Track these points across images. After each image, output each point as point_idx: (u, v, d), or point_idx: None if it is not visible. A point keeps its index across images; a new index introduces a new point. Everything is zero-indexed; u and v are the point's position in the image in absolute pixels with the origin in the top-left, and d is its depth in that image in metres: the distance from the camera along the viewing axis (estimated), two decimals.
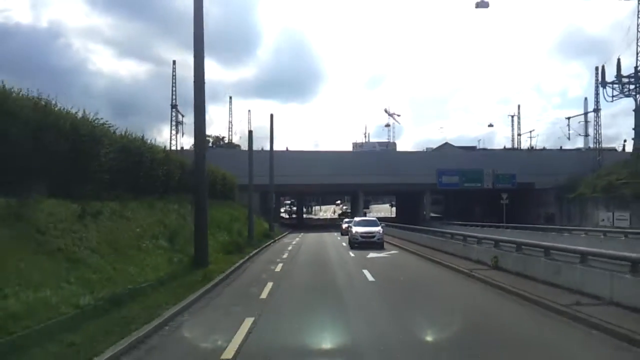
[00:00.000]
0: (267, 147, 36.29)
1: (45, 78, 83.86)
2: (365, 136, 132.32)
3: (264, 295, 9.80)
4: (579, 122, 48.59)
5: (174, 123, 51.38)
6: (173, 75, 51.24)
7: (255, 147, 28.92)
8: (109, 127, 14.02)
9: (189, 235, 14.92)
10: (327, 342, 6.40)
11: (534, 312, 8.02)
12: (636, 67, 37.79)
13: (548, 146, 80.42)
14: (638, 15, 36.46)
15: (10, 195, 9.02)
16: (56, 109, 11.39)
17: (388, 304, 9.10)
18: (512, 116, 71.66)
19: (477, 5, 16.93)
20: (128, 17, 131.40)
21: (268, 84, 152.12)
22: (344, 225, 32.55)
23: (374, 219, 28.23)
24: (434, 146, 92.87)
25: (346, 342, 6.29)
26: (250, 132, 28.10)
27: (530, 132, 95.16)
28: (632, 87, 37.94)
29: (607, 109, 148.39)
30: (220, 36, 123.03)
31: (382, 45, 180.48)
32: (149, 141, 17.92)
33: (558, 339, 6.54)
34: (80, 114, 12.08)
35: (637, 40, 36.51)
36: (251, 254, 18.08)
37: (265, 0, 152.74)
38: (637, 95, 37.10)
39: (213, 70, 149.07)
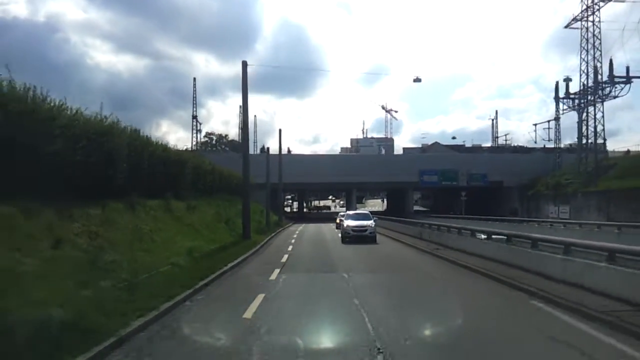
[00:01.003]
0: (267, 144, 45.73)
1: (43, 72, 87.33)
2: (363, 132, 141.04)
3: (290, 249, 19.59)
4: (543, 129, 58.05)
5: (194, 131, 61.51)
6: (194, 90, 61.35)
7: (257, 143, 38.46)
8: (188, 152, 23.80)
9: (235, 220, 24.61)
10: (324, 260, 15.88)
11: (417, 252, 17.87)
12: (584, 85, 47.24)
13: (533, 145, 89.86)
14: (581, 44, 45.88)
15: (158, 199, 18.56)
16: (167, 145, 21.11)
17: (353, 251, 18.76)
18: (492, 119, 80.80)
19: (414, 80, 25.66)
20: (126, 11, 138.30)
21: (266, 79, 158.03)
22: (338, 219, 33.95)
23: (367, 212, 29.42)
24: (430, 142, 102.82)
25: (330, 259, 15.90)
26: (267, 149, 37.96)
27: (506, 135, 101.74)
28: (576, 102, 47.51)
29: (608, 103, 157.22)
30: (217, 31, 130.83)
31: (381, 41, 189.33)
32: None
33: (421, 260, 16.19)
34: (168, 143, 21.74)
35: (580, 63, 45.99)
36: (272, 234, 27.83)
37: None
38: (581, 111, 46.59)
39: (211, 65, 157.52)
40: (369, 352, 5.68)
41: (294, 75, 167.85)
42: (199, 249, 15.75)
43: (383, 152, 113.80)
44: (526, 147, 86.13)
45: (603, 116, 45.95)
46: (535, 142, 60.63)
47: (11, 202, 9.24)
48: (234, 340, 6.31)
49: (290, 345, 6.07)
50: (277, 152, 43.07)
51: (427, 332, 6.89)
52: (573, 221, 35.13)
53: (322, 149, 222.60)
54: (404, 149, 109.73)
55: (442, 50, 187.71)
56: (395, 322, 7.20)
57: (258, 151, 72.47)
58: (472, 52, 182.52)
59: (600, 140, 47.62)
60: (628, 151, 70.02)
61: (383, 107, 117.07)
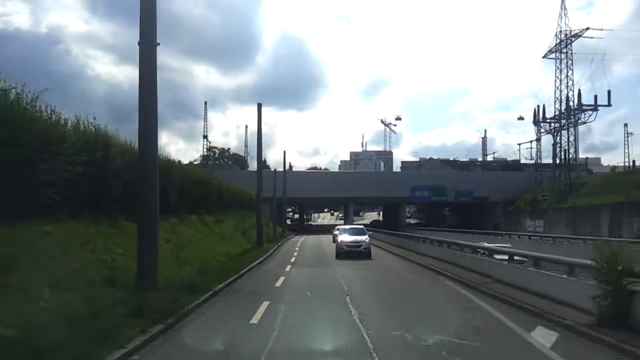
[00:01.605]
0: (268, 155, 51.96)
1: (44, 83, 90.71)
2: (362, 145, 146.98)
3: (296, 254, 25.73)
4: (526, 148, 64.37)
5: (205, 148, 68.34)
6: (205, 113, 68.41)
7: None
8: (212, 174, 30.04)
9: (249, 231, 30.78)
10: (322, 261, 21.99)
11: (396, 257, 23.94)
12: (560, 111, 53.55)
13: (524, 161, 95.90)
14: (556, 75, 52.33)
15: (195, 214, 24.71)
16: (202, 174, 27.34)
17: (343, 254, 24.85)
18: (482, 138, 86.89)
19: (396, 119, 31.53)
20: (128, 23, 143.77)
21: (266, 91, 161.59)
22: (334, 233, 33.42)
23: (361, 227, 30.03)
24: (427, 155, 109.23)
25: (325, 259, 22.01)
26: (275, 170, 44.10)
27: (494, 153, 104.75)
28: (552, 125, 53.89)
29: (606, 116, 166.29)
30: (219, 43, 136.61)
31: (381, 54, 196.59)
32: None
33: (391, 259, 22.27)
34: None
35: (555, 91, 52.39)
36: (279, 243, 33.99)
37: (264, 8, 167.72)
38: (556, 134, 52.91)
39: (211, 77, 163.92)
40: (343, 294, 11.86)
41: (294, 87, 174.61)
42: (231, 252, 21.89)
43: (382, 165, 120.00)
44: (518, 163, 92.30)
45: (575, 139, 52.31)
46: (520, 161, 66.74)
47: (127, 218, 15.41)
48: (273, 293, 12.41)
49: (304, 295, 12.21)
50: (278, 167, 49.61)
51: (376, 289, 13.06)
52: (524, 234, 41.27)
53: (322, 161, 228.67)
54: (402, 162, 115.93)
55: (442, 62, 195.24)
56: (359, 285, 13.46)
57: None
58: (472, 65, 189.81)
59: (582, 156, 54.21)
60: (614, 168, 76.60)
61: (382, 121, 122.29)
